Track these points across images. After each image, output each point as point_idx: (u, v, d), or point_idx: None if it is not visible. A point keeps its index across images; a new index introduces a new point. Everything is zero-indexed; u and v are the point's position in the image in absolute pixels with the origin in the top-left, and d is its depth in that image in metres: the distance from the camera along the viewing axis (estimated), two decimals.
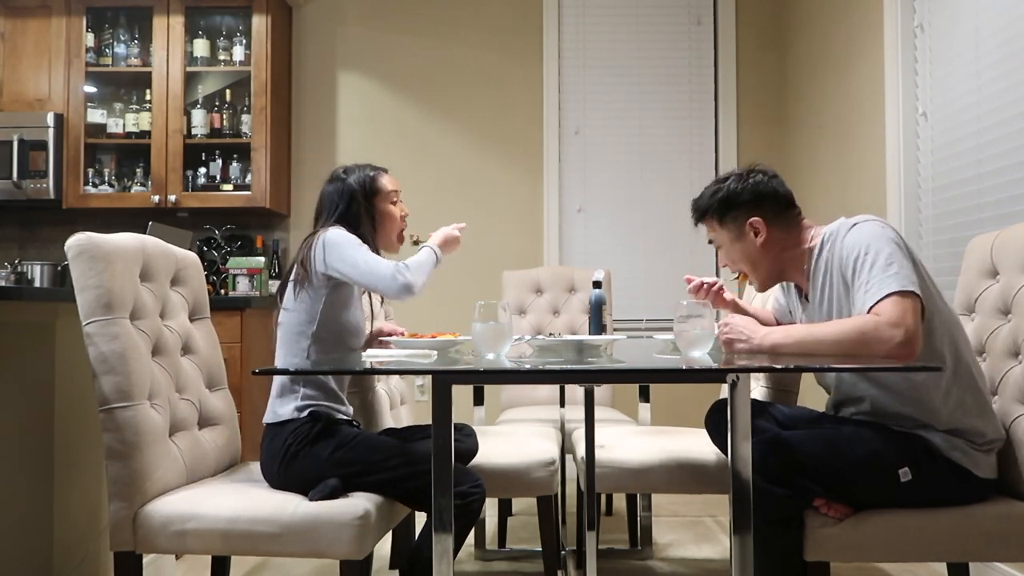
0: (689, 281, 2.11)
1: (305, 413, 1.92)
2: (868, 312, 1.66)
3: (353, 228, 2.08)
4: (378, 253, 2.13)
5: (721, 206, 1.92)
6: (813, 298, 1.89)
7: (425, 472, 1.69)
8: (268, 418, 1.97)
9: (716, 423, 2.08)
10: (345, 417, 2.02)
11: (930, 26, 2.86)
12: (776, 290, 2.15)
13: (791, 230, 1.91)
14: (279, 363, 2.01)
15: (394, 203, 2.18)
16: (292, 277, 2.03)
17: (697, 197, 2.00)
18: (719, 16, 4.34)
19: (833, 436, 1.77)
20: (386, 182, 2.17)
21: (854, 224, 1.80)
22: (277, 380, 2.00)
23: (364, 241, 2.06)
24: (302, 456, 1.85)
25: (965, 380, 1.75)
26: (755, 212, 1.89)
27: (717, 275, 4.26)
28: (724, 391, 1.87)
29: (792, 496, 1.69)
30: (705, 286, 2.09)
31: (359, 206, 2.11)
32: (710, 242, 2.01)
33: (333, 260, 1.96)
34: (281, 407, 1.95)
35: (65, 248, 1.74)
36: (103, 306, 1.73)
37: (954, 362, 1.75)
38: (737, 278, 2.04)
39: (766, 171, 1.95)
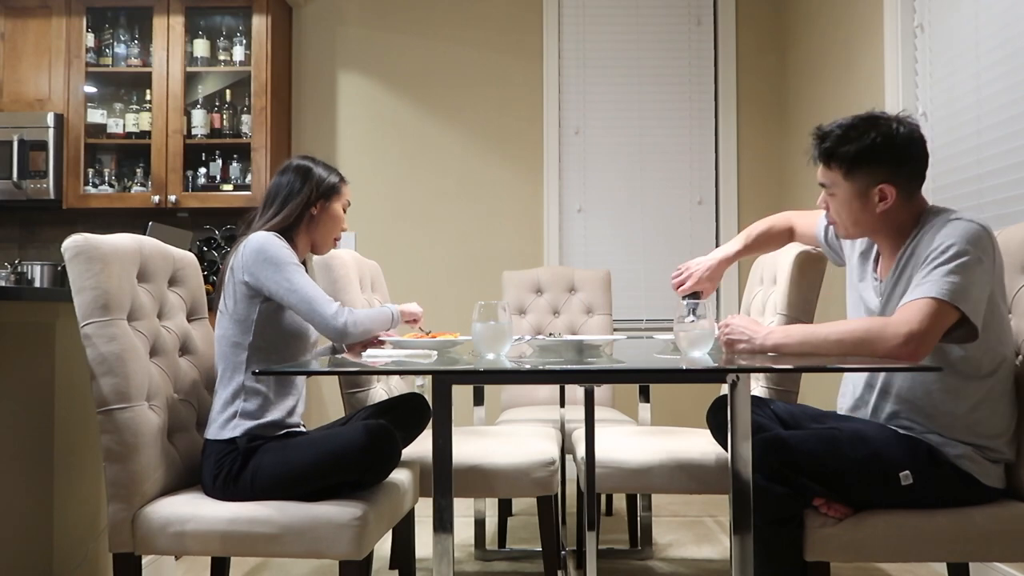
0: (677, 280, 2.16)
1: (239, 432, 1.82)
2: (903, 305, 1.64)
3: (292, 217, 2.00)
4: (307, 253, 2.11)
5: (857, 157, 1.70)
6: (891, 277, 1.79)
7: (340, 466, 1.77)
8: (208, 432, 1.88)
9: (718, 418, 2.07)
10: (283, 430, 1.90)
11: (930, 26, 2.85)
12: (822, 220, 2.05)
13: (911, 202, 1.75)
14: (219, 378, 1.91)
15: (342, 212, 2.12)
16: (223, 284, 1.94)
17: (826, 130, 1.75)
18: (719, 16, 4.33)
19: (834, 436, 1.76)
20: (346, 191, 2.13)
21: (957, 218, 1.69)
22: (218, 392, 1.90)
23: (288, 237, 1.99)
24: (231, 487, 1.77)
25: (996, 403, 1.72)
26: (891, 178, 1.70)
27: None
28: (724, 391, 1.86)
29: (792, 495, 1.68)
30: (685, 275, 2.15)
31: (311, 196, 2.02)
32: (822, 185, 1.80)
33: (264, 277, 1.86)
34: (218, 424, 1.86)
35: (62, 249, 1.74)
36: (100, 307, 1.73)
37: (993, 385, 1.72)
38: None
39: (914, 124, 1.72)
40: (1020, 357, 1.78)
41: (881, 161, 1.70)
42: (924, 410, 1.75)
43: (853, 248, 1.97)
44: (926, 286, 1.63)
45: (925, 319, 1.59)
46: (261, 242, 1.89)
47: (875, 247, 1.89)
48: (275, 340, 1.92)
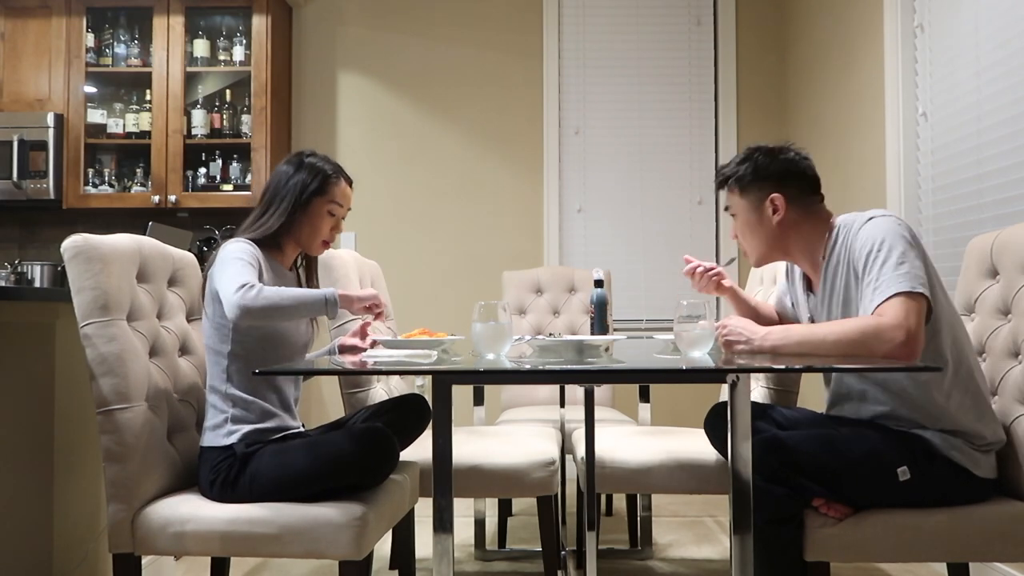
0: (688, 262, 2.09)
1: (234, 439, 1.81)
2: (874, 310, 1.66)
3: (271, 219, 1.95)
4: (302, 253, 2.06)
5: (746, 176, 1.90)
6: (822, 289, 1.88)
7: (337, 470, 1.75)
8: (203, 440, 1.86)
9: (715, 426, 2.08)
10: (278, 433, 1.88)
11: (930, 26, 2.85)
12: (780, 284, 2.14)
13: (810, 215, 1.89)
14: (208, 386, 1.89)
15: (331, 215, 1.99)
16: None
17: (725, 163, 1.98)
18: (719, 16, 4.33)
19: (831, 436, 1.77)
20: (338, 190, 1.99)
21: (870, 218, 1.78)
22: (208, 399, 1.88)
23: (275, 241, 1.96)
24: (228, 492, 1.77)
25: (966, 382, 1.75)
26: (778, 189, 1.87)
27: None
28: (724, 391, 1.86)
29: (791, 495, 1.68)
30: (701, 269, 2.08)
31: (292, 199, 1.95)
32: (727, 209, 1.99)
33: (215, 276, 1.82)
34: (212, 432, 1.84)
35: (62, 249, 1.74)
36: (100, 307, 1.73)
37: (956, 364, 1.74)
38: (728, 263, 2.08)
39: (799, 151, 1.92)
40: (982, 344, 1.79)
41: (767, 176, 1.88)
42: (907, 402, 1.76)
43: (792, 288, 2.06)
44: (884, 285, 1.66)
45: (911, 314, 1.62)
46: (225, 248, 1.87)
47: (799, 275, 2.00)
48: (253, 348, 1.87)
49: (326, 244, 2.05)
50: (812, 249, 1.89)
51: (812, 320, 1.94)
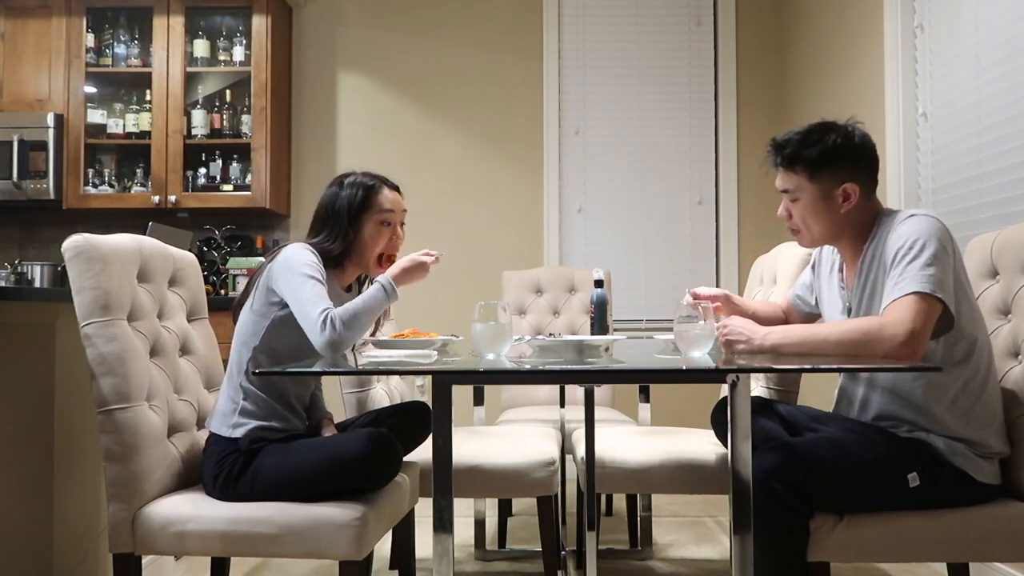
0: (696, 296, 1.96)
1: (241, 433, 1.82)
2: (886, 307, 1.64)
3: (330, 243, 1.96)
4: (358, 275, 2.06)
5: (820, 159, 1.77)
6: (857, 281, 1.83)
7: (340, 472, 1.74)
8: (210, 424, 1.89)
9: (721, 420, 2.07)
10: (284, 433, 1.89)
11: (930, 26, 2.85)
12: (803, 277, 2.10)
13: (869, 204, 1.82)
14: (227, 372, 1.91)
15: (386, 224, 2.00)
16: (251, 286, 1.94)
17: (784, 139, 1.82)
18: (719, 16, 4.33)
19: (842, 442, 1.76)
20: (382, 199, 2.01)
21: (912, 214, 1.74)
22: (224, 386, 1.91)
23: (337, 262, 1.97)
24: (230, 489, 1.77)
25: (977, 391, 1.73)
26: (854, 176, 1.77)
27: (717, 276, 4.26)
28: (724, 391, 1.86)
29: (799, 502, 1.66)
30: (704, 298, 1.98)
31: (342, 220, 1.97)
32: (785, 191, 1.85)
33: (282, 281, 1.85)
34: (221, 419, 1.86)
35: (62, 249, 1.74)
36: (100, 307, 1.73)
37: (970, 373, 1.73)
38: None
39: (865, 131, 1.80)
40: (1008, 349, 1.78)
41: (843, 161, 1.77)
42: (910, 405, 1.75)
43: (819, 276, 2.01)
44: (905, 283, 1.65)
45: (918, 315, 1.61)
46: (292, 251, 1.89)
47: (835, 263, 1.94)
48: (278, 350, 1.89)
49: (390, 259, 2.03)
50: (861, 238, 1.82)
51: (850, 311, 1.87)
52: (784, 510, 1.65)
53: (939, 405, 1.72)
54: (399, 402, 2.30)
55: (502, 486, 2.18)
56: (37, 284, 3.93)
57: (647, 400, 2.97)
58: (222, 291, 4.14)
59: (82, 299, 1.72)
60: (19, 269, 3.99)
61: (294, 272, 1.83)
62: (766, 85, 4.34)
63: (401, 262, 1.94)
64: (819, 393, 2.07)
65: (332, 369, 1.73)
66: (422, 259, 1.95)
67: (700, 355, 1.60)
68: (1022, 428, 1.75)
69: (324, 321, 1.74)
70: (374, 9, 4.38)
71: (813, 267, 2.06)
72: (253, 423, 1.84)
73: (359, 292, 2.09)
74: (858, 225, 1.83)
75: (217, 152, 4.17)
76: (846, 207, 1.79)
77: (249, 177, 4.08)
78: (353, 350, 2.04)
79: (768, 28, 4.35)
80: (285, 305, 1.86)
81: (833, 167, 1.78)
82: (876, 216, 1.82)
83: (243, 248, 4.27)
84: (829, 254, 1.99)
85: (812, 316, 2.07)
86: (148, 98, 4.11)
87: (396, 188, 2.08)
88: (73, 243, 1.73)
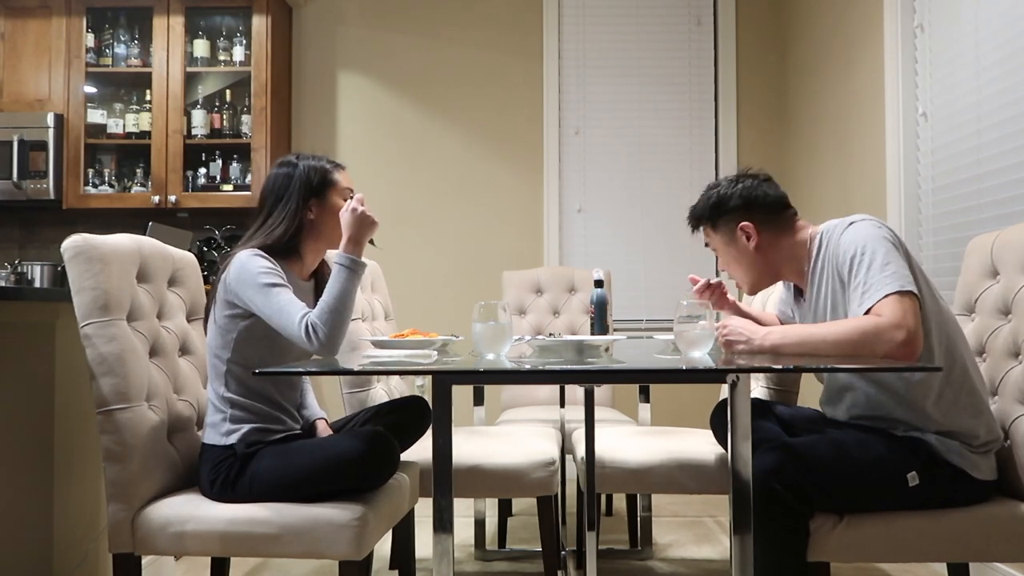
0: (694, 282, 2.11)
1: (235, 439, 1.81)
2: (866, 313, 1.66)
3: (276, 226, 1.90)
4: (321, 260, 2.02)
5: (713, 212, 1.96)
6: (809, 297, 1.90)
7: (337, 472, 1.74)
8: (204, 437, 1.87)
9: (721, 421, 2.08)
10: (279, 435, 1.89)
11: (930, 26, 2.85)
12: (779, 292, 2.15)
13: (784, 232, 1.92)
14: (208, 384, 1.89)
15: (346, 200, 1.93)
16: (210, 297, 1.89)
17: (694, 205, 2.03)
18: (719, 16, 4.33)
19: (841, 442, 1.76)
20: (340, 177, 1.97)
21: (850, 223, 1.81)
22: (209, 397, 1.89)
23: (291, 249, 1.92)
24: (228, 492, 1.76)
25: (959, 381, 1.74)
26: (745, 217, 1.92)
27: (717, 275, 4.26)
28: (724, 391, 1.86)
29: (799, 502, 1.67)
30: (711, 287, 2.09)
31: (294, 199, 1.90)
32: (706, 245, 2.05)
33: (247, 297, 1.79)
34: (212, 430, 1.85)
35: (62, 250, 1.74)
36: (100, 307, 1.73)
37: (949, 363, 1.75)
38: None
39: (757, 175, 1.97)
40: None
41: (728, 209, 1.94)
42: (901, 402, 1.76)
43: (788, 295, 2.08)
44: (874, 288, 1.67)
45: (908, 313, 1.63)
46: (242, 262, 1.82)
47: (791, 289, 2.03)
48: (252, 357, 1.86)
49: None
50: (798, 262, 1.92)
51: (808, 318, 1.94)
52: (784, 510, 1.65)
53: (927, 401, 1.73)
54: (396, 398, 2.29)
55: (502, 486, 2.18)
56: (37, 284, 3.94)
57: (647, 400, 2.97)
58: None
59: (82, 299, 1.72)
60: (19, 269, 3.99)
61: (252, 284, 1.78)
62: (766, 85, 4.34)
63: (344, 233, 1.85)
64: (819, 393, 2.07)
65: (333, 369, 1.73)
66: (354, 215, 1.85)
67: (700, 355, 1.60)
68: (1022, 428, 1.75)
69: (306, 331, 1.72)
70: (374, 9, 4.38)
71: (785, 283, 2.09)
72: (246, 427, 1.83)
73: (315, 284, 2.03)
74: (787, 256, 1.92)
75: (217, 152, 4.17)
76: (753, 243, 1.91)
77: (249, 177, 4.08)
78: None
79: (768, 28, 4.35)
80: (247, 315, 1.83)
81: (724, 216, 1.94)
82: (810, 239, 1.90)
83: None
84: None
85: None
86: (148, 98, 4.12)
87: (343, 168, 2.03)
88: (72, 243, 1.73)
